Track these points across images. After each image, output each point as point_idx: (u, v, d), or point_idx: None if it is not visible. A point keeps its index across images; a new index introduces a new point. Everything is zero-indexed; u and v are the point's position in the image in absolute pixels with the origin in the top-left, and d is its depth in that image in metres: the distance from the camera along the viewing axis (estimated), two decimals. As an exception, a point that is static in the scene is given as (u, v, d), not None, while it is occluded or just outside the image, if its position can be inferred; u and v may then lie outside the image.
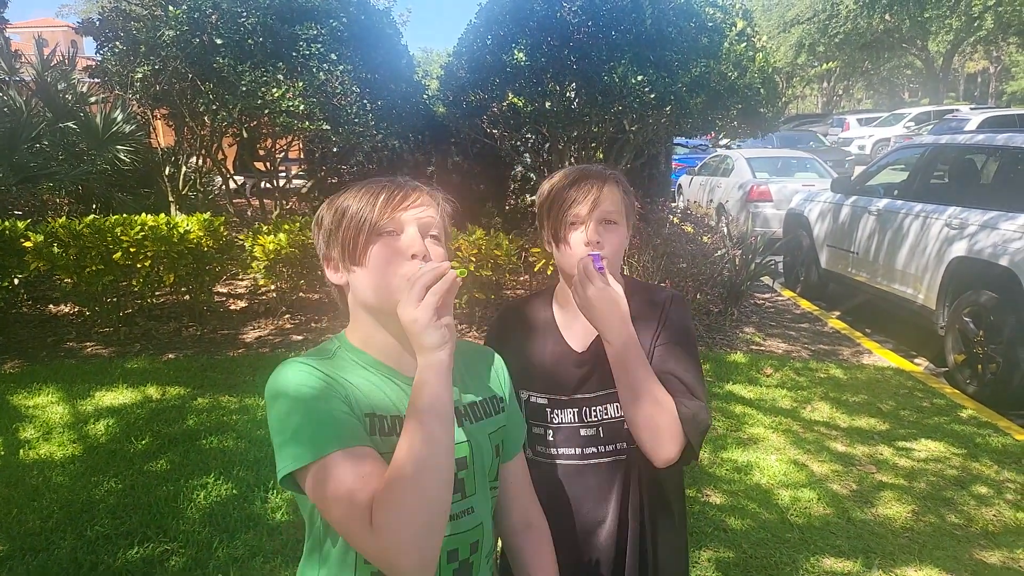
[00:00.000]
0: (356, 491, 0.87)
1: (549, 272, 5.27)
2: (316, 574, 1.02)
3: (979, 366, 4.63)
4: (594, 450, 1.33)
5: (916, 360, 5.42)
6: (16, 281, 5.44)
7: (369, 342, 1.04)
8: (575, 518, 1.34)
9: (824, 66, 34.30)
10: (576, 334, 1.38)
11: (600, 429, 1.33)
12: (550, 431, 1.35)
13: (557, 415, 1.35)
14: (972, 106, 24.37)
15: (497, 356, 1.25)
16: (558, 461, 1.35)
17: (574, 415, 1.34)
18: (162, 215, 5.50)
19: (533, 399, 1.37)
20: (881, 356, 5.40)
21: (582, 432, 1.33)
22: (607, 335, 1.24)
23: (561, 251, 1.34)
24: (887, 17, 32.25)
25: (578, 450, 1.33)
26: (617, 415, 1.31)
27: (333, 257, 1.04)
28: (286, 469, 0.90)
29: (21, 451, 3.61)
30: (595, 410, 1.33)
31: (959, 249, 4.83)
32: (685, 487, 3.28)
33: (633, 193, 1.38)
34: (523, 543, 1.22)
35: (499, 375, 1.22)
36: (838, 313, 6.75)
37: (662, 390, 1.24)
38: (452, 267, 0.95)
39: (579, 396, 1.34)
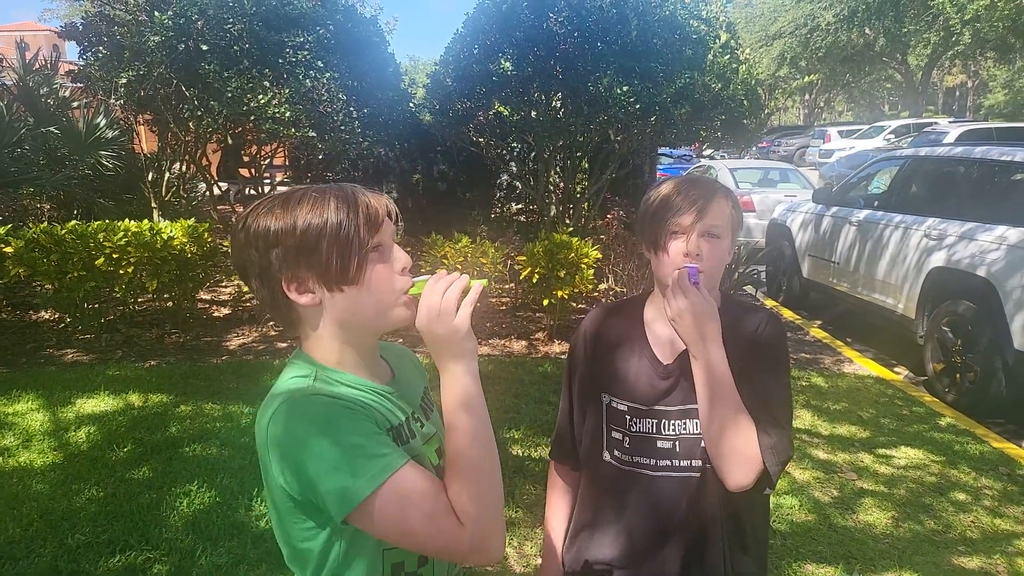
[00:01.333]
0: (437, 497, 0.92)
1: (535, 280, 5.29)
2: None
3: (957, 375, 4.70)
4: (668, 463, 1.31)
5: (896, 369, 5.50)
6: (-4, 287, 5.37)
7: (343, 360, 1.02)
8: (643, 526, 1.33)
9: (806, 78, 34.78)
10: (664, 345, 1.36)
11: (677, 443, 1.31)
12: (628, 438, 1.34)
13: (636, 423, 1.33)
14: (951, 119, 24.76)
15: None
16: (632, 468, 1.34)
17: (652, 426, 1.32)
18: (145, 221, 5.46)
19: (614, 404, 1.36)
20: (862, 365, 5.47)
21: (658, 444, 1.32)
22: (695, 350, 1.23)
23: (659, 259, 1.30)
24: (866, 31, 32.78)
25: (652, 460, 1.32)
26: (695, 432, 1.29)
27: (302, 277, 0.97)
28: (354, 501, 0.88)
29: (0, 459, 3.55)
30: (674, 424, 1.31)
31: (938, 260, 4.92)
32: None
33: (741, 208, 1.34)
34: None
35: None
36: (820, 322, 6.83)
37: (744, 414, 1.22)
38: (476, 279, 0.99)
39: (659, 408, 1.32)
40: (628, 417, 1.34)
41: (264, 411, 0.96)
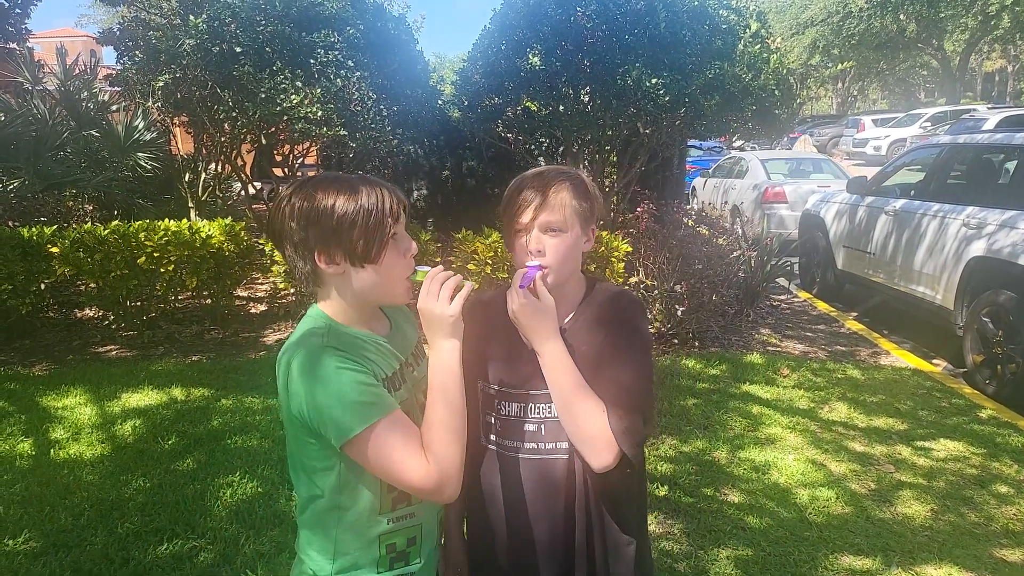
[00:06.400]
0: (415, 437, 1.16)
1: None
2: (334, 532, 1.23)
3: (998, 366, 4.61)
4: (534, 446, 1.35)
5: (934, 361, 5.40)
6: (43, 286, 5.55)
7: (349, 317, 1.24)
8: (520, 508, 1.36)
9: (839, 66, 34.07)
10: None
11: (543, 427, 1.34)
12: (497, 421, 1.38)
13: (504, 406, 1.37)
14: (989, 106, 24.06)
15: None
16: (502, 452, 1.38)
17: (520, 409, 1.36)
18: (184, 221, 5.59)
19: (486, 388, 1.41)
20: (899, 357, 5.39)
21: (525, 427, 1.36)
22: (534, 346, 1.29)
23: (512, 255, 1.37)
24: (901, 16, 32.01)
25: (520, 443, 1.36)
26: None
27: (331, 252, 1.18)
28: (350, 434, 1.12)
29: (52, 451, 3.69)
30: (539, 407, 1.35)
31: (977, 249, 4.82)
32: (700, 487, 3.26)
33: (594, 195, 1.37)
34: None
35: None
36: (855, 314, 6.73)
37: (593, 401, 1.26)
38: (465, 280, 1.24)
39: (526, 391, 1.36)
40: (497, 401, 1.38)
41: (286, 352, 1.18)
